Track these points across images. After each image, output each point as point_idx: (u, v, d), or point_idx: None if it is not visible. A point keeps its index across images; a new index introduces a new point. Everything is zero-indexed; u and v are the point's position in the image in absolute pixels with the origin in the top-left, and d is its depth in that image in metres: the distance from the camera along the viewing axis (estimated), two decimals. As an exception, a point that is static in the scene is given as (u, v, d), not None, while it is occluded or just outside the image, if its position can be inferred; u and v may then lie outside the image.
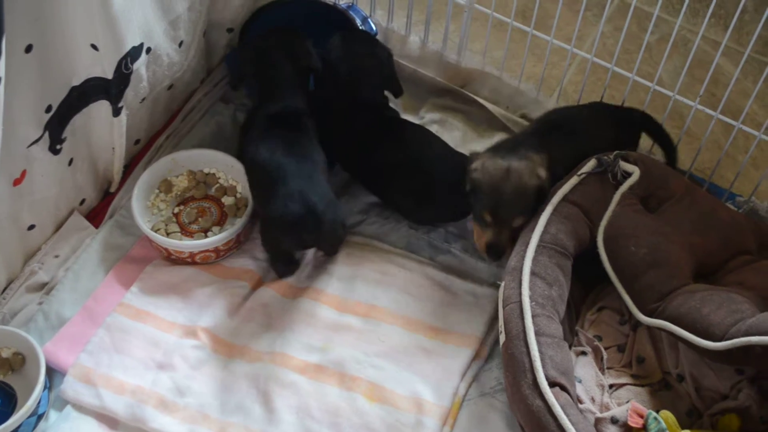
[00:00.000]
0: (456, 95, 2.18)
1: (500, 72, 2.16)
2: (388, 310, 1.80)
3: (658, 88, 1.93)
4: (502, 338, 1.60)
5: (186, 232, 1.90)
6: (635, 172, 1.73)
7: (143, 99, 1.88)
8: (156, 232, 1.85)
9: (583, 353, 1.70)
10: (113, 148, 1.89)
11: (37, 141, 1.67)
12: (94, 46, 1.65)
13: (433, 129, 2.09)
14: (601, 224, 1.70)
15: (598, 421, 1.57)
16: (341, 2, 2.17)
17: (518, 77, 2.15)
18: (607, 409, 1.63)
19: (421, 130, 1.96)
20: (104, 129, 1.84)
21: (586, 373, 1.67)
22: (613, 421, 1.56)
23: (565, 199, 1.71)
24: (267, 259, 1.87)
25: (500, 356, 1.74)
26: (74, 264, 1.86)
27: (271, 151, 1.76)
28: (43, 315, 1.79)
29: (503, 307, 1.62)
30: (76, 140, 1.80)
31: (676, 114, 2.17)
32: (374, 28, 2.16)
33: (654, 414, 1.52)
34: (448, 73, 2.19)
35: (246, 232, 1.89)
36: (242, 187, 1.95)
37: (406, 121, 1.98)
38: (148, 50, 1.79)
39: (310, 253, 1.89)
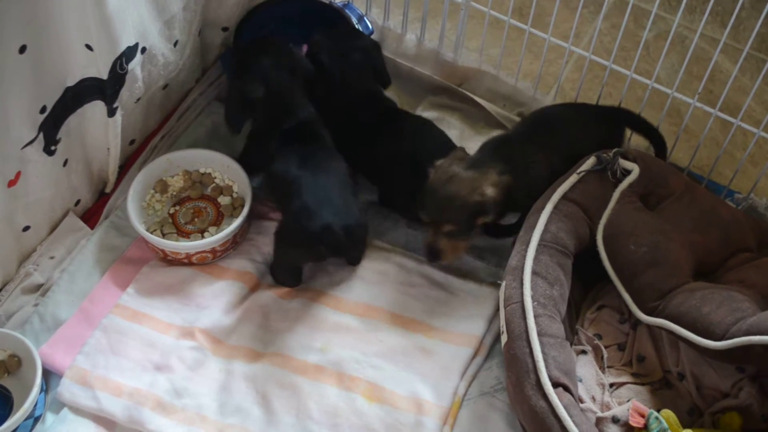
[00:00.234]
0: (453, 93, 2.17)
1: (497, 70, 2.16)
2: (386, 309, 1.80)
3: (656, 85, 1.92)
4: (504, 339, 1.60)
5: (182, 232, 1.89)
6: (635, 169, 1.72)
7: (138, 99, 1.87)
8: (152, 232, 1.84)
9: (584, 352, 1.70)
10: (108, 149, 1.88)
11: (31, 142, 1.66)
12: (88, 47, 1.64)
13: (431, 127, 2.09)
14: (601, 222, 1.70)
15: (599, 421, 1.56)
16: (337, 1, 2.16)
17: (515, 75, 2.14)
18: (608, 408, 1.62)
19: (421, 121, 1.96)
20: (99, 129, 1.83)
21: (586, 372, 1.66)
22: (614, 420, 1.55)
23: (564, 197, 1.70)
24: (271, 268, 1.86)
25: (500, 355, 1.74)
26: (70, 265, 1.85)
27: (287, 166, 1.77)
28: (38, 317, 1.78)
29: (505, 307, 1.61)
30: (71, 141, 1.79)
31: (674, 111, 2.16)
32: (370, 26, 2.15)
33: (655, 413, 1.51)
34: (444, 71, 2.19)
35: (243, 232, 1.88)
36: (238, 186, 1.94)
37: (405, 112, 1.98)
38: (143, 50, 1.78)
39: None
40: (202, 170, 1.97)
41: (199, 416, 1.66)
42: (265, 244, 1.88)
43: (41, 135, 1.68)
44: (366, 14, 2.17)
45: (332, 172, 1.78)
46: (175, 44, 1.90)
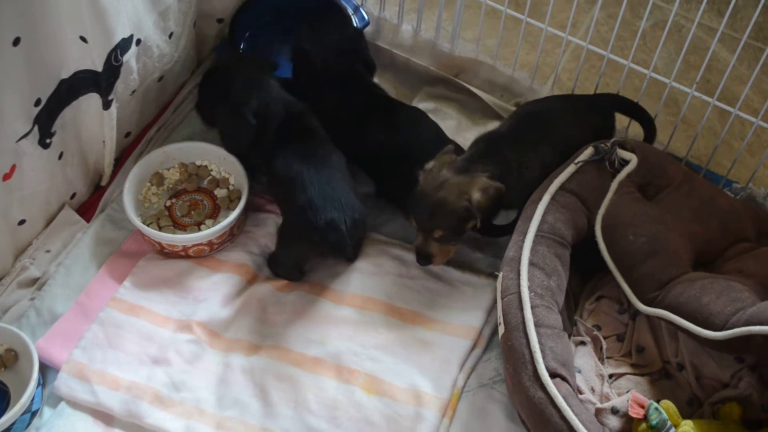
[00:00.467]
0: (450, 84, 2.16)
1: (494, 60, 2.15)
2: (384, 302, 1.79)
3: (654, 75, 1.91)
4: (501, 330, 1.59)
5: (179, 225, 1.88)
6: (632, 159, 1.72)
7: (133, 91, 1.86)
8: (148, 225, 1.84)
9: (582, 343, 1.70)
10: (104, 142, 1.87)
11: (26, 135, 1.65)
12: (83, 39, 1.63)
13: (427, 118, 2.08)
14: (599, 213, 1.69)
15: (598, 412, 1.56)
16: (332, -9, 2.15)
17: (512, 65, 2.13)
18: (607, 399, 1.62)
19: (412, 112, 1.95)
20: (94, 122, 1.82)
21: (585, 363, 1.66)
22: (614, 411, 1.55)
23: (562, 188, 1.70)
24: (270, 262, 1.85)
25: (499, 347, 1.73)
26: (66, 259, 1.84)
27: (288, 163, 1.76)
28: (35, 311, 1.77)
29: (502, 298, 1.61)
30: (66, 134, 1.78)
31: (672, 101, 2.16)
32: (366, 17, 2.14)
33: (655, 404, 1.51)
34: (441, 61, 2.18)
35: (239, 224, 1.87)
36: (234, 178, 1.94)
37: (395, 101, 1.97)
38: (138, 42, 1.77)
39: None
40: (198, 163, 1.96)
41: (197, 409, 1.66)
42: (262, 236, 1.88)
43: (36, 128, 1.67)
44: (362, 5, 2.16)
45: (334, 166, 1.78)
46: (170, 36, 1.89)
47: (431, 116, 2.08)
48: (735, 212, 1.76)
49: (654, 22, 2.38)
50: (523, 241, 1.64)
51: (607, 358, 1.71)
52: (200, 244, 1.82)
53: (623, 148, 1.73)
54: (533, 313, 1.55)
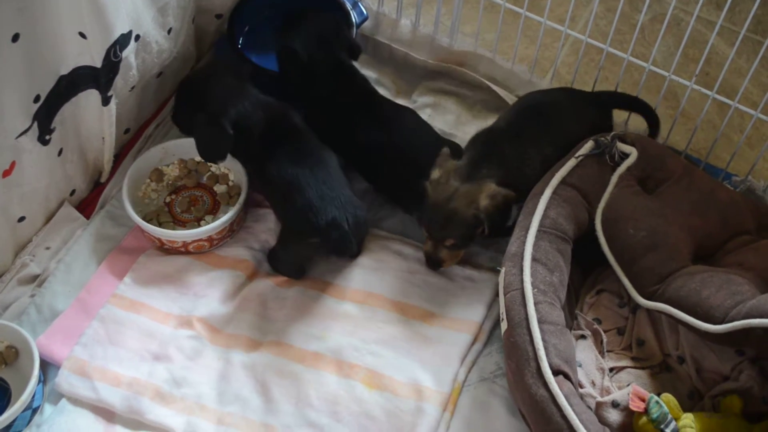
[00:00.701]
0: (449, 78, 2.16)
1: (493, 54, 2.14)
2: (385, 296, 1.79)
3: (653, 68, 1.91)
4: (503, 326, 1.59)
5: (178, 221, 1.88)
6: (632, 152, 1.72)
7: (133, 87, 1.86)
8: (148, 222, 1.83)
9: (583, 337, 1.70)
10: (103, 138, 1.87)
11: (25, 131, 1.65)
12: (82, 35, 1.63)
13: (427, 112, 2.08)
14: (599, 207, 1.69)
15: (599, 406, 1.56)
16: (331, -14, 2.15)
17: (511, 59, 2.13)
18: (608, 392, 1.62)
19: (404, 110, 1.94)
20: (93, 118, 1.82)
21: (586, 356, 1.66)
22: (614, 405, 1.55)
23: (563, 182, 1.69)
24: (270, 259, 1.85)
25: (499, 341, 1.73)
26: (66, 256, 1.84)
27: (281, 166, 1.76)
28: (35, 308, 1.77)
29: (504, 294, 1.61)
30: (66, 130, 1.78)
31: (671, 95, 2.16)
32: (365, 11, 2.14)
33: (656, 398, 1.51)
34: (440, 56, 2.18)
35: (239, 220, 1.87)
36: (234, 174, 1.93)
37: (386, 100, 1.97)
38: (137, 38, 1.77)
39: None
40: (197, 159, 1.96)
41: (198, 405, 1.66)
42: (262, 231, 1.88)
43: (35, 124, 1.67)
44: (360, 0, 2.15)
45: (328, 164, 1.77)
46: (169, 31, 1.89)
47: (431, 110, 2.09)
48: (735, 205, 1.76)
49: (653, 15, 2.38)
50: (525, 237, 1.63)
51: (608, 351, 1.71)
52: (200, 240, 1.82)
53: (623, 141, 1.73)
54: (536, 310, 1.55)
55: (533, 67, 2.11)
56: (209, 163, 1.95)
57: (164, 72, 1.98)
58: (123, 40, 1.71)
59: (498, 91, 2.10)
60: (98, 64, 1.69)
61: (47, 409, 1.67)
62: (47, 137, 1.72)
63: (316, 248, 1.78)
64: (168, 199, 1.91)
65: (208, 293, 1.79)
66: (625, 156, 1.72)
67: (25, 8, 1.51)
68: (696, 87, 1.89)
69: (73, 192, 1.91)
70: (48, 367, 1.71)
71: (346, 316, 1.77)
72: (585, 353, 1.67)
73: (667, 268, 1.64)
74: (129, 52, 1.76)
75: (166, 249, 1.85)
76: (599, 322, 1.73)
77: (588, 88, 1.99)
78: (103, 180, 1.97)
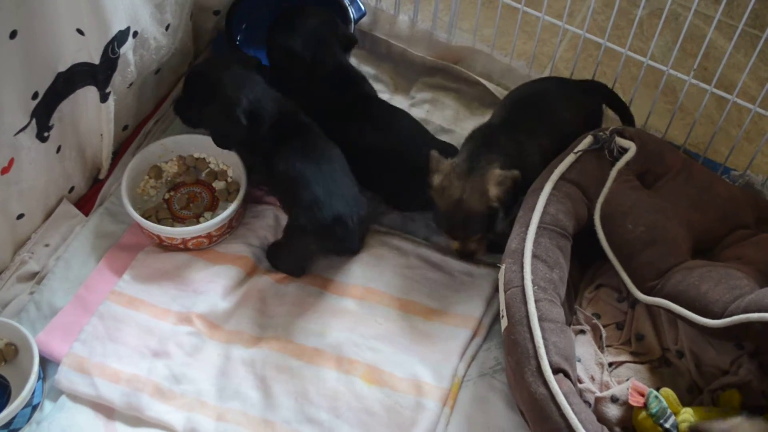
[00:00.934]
0: (447, 74, 2.16)
1: (491, 50, 2.14)
2: (384, 292, 1.79)
3: (651, 62, 1.91)
4: (504, 323, 1.59)
5: (177, 218, 1.88)
6: (631, 147, 1.71)
7: (131, 84, 1.86)
8: (147, 218, 1.83)
9: (582, 332, 1.70)
10: (101, 135, 1.87)
11: (24, 128, 1.65)
12: (80, 31, 1.63)
13: (425, 108, 2.08)
14: (598, 202, 1.69)
15: (598, 401, 1.56)
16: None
17: (509, 55, 2.13)
18: (607, 387, 1.62)
19: (397, 111, 1.94)
20: (92, 115, 1.81)
21: (585, 351, 1.66)
22: (614, 399, 1.55)
23: (562, 177, 1.69)
24: (270, 257, 1.84)
25: (499, 336, 1.73)
26: (65, 253, 1.84)
27: (289, 162, 1.76)
28: (34, 305, 1.77)
29: (504, 291, 1.60)
30: (64, 127, 1.78)
31: (669, 89, 2.15)
32: (363, 8, 2.13)
33: (655, 392, 1.51)
34: (438, 52, 2.17)
35: (238, 216, 1.87)
36: (233, 171, 1.93)
37: (381, 101, 1.96)
38: (135, 34, 1.77)
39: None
40: (196, 155, 1.96)
41: (198, 401, 1.66)
42: (261, 227, 1.88)
43: (34, 121, 1.67)
44: (358, -5, 2.16)
45: (335, 161, 1.78)
46: (167, 28, 1.89)
47: (429, 107, 2.08)
48: (733, 199, 1.76)
49: (650, 10, 2.37)
50: (525, 233, 1.63)
51: (607, 346, 1.71)
52: (199, 237, 1.81)
53: (622, 136, 1.73)
54: (537, 307, 1.54)
55: (531, 63, 2.11)
56: (208, 160, 1.95)
57: (162, 68, 1.98)
58: (121, 37, 1.71)
59: (492, 89, 2.10)
60: (96, 60, 1.69)
61: (47, 405, 1.67)
62: (46, 134, 1.72)
63: (321, 245, 1.78)
64: (167, 196, 1.91)
65: (208, 289, 1.79)
66: (623, 151, 1.72)
67: (22, 5, 1.50)
68: (694, 81, 1.89)
69: (71, 189, 1.91)
70: (47, 364, 1.71)
71: (346, 311, 1.77)
72: (584, 348, 1.67)
73: (666, 263, 1.64)
74: (127, 49, 1.76)
75: (165, 246, 1.85)
76: (598, 317, 1.73)
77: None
78: (101, 177, 1.97)
